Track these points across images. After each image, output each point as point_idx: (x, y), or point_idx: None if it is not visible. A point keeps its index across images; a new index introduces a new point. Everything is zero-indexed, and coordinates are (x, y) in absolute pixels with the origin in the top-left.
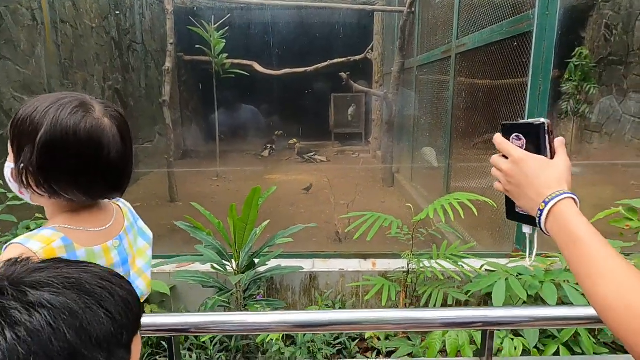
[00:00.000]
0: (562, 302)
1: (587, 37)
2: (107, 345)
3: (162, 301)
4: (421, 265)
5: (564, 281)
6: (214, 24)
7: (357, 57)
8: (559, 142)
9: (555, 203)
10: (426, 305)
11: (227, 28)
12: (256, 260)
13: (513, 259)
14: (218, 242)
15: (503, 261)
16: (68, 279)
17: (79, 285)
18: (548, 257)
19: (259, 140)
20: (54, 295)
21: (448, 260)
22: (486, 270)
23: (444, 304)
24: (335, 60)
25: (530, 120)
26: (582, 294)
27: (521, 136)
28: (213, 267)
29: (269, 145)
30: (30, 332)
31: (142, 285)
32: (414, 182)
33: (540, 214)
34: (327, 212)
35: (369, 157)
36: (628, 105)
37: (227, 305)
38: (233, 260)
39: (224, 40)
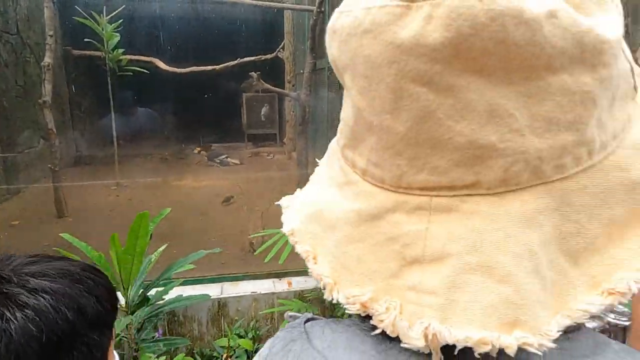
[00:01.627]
0: None
1: None
2: (98, 325)
3: None
4: None
5: None
6: (106, 16)
7: (269, 56)
8: None
9: None
10: None
11: (121, 20)
12: (152, 293)
13: None
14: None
15: None
16: (60, 270)
17: (70, 275)
18: None
19: (162, 143)
20: (52, 283)
21: None
22: None
23: None
24: (246, 59)
25: None
26: None
27: None
28: None
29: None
30: (37, 312)
31: None
32: None
33: None
34: (241, 223)
35: (285, 158)
36: None
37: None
38: (122, 298)
39: (118, 34)
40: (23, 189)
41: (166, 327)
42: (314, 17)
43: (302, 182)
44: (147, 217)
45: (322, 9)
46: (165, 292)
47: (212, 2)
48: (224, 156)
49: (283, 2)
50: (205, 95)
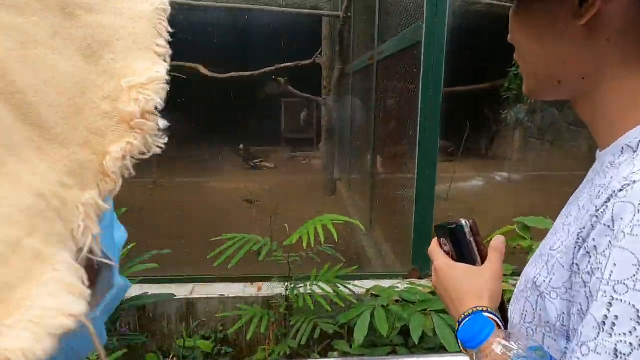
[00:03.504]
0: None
1: None
2: None
3: None
4: (295, 293)
5: (435, 312)
6: None
7: (307, 62)
8: (494, 244)
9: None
10: (294, 339)
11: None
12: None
13: (409, 279)
14: None
15: (399, 282)
16: None
17: None
18: None
19: (203, 146)
20: None
21: (329, 284)
22: (372, 294)
23: (311, 336)
24: (283, 65)
25: (453, 222)
26: (451, 327)
27: (446, 241)
28: None
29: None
30: None
31: None
32: (352, 191)
33: (456, 335)
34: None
35: (319, 163)
36: (567, 114)
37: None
38: None
39: None
40: None
41: (137, 324)
42: (341, 23)
43: (327, 186)
44: None
45: (349, 14)
46: (126, 289)
47: (248, 9)
48: (258, 160)
49: (318, 9)
50: (245, 100)
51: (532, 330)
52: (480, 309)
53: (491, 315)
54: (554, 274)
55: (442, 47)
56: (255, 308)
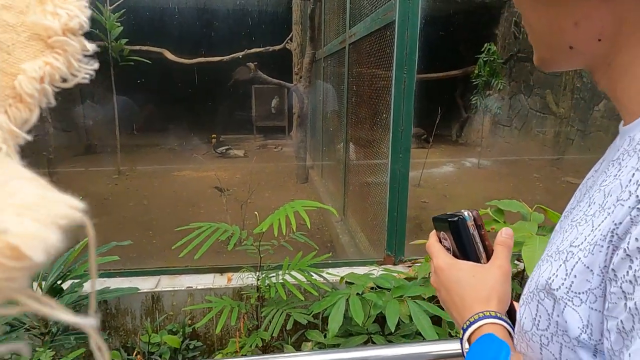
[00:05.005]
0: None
1: (499, 33)
2: None
3: None
4: (266, 282)
5: (411, 298)
6: (110, 6)
7: (277, 47)
8: (501, 239)
9: (475, 330)
10: (266, 330)
11: (124, 10)
12: (66, 286)
13: (384, 266)
14: None
15: (374, 269)
16: None
17: None
18: (416, 262)
19: (171, 134)
20: None
21: (301, 272)
22: (346, 282)
23: (283, 327)
24: (253, 50)
25: (453, 214)
26: (427, 313)
27: (446, 235)
28: None
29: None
30: None
31: None
32: (324, 179)
33: (461, 342)
34: (228, 214)
35: (291, 151)
36: (534, 101)
37: (29, 343)
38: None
39: (120, 24)
40: None
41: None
42: (311, 6)
43: (299, 174)
44: None
45: None
46: (80, 285)
47: None
48: (226, 147)
49: None
50: (214, 86)
51: (547, 338)
52: (488, 313)
53: (501, 322)
54: (575, 277)
55: (416, 26)
56: (225, 299)
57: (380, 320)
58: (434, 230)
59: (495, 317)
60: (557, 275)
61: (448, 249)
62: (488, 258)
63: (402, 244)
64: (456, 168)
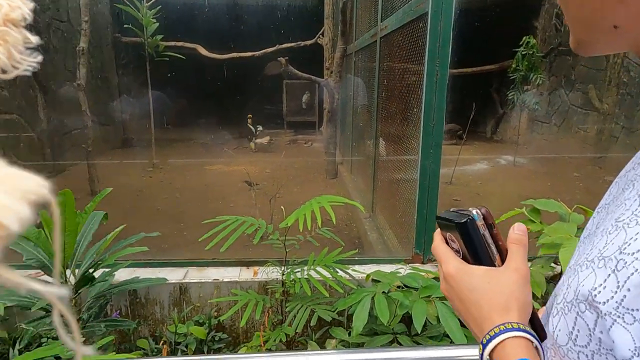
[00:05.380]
0: (439, 322)
1: (538, 26)
2: None
3: (6, 319)
4: (291, 277)
5: (439, 299)
6: (147, 3)
7: (308, 42)
8: (514, 237)
9: (496, 346)
10: (290, 325)
11: (159, 7)
12: (98, 274)
13: (412, 264)
14: (46, 255)
15: (401, 267)
16: None
17: None
18: None
19: (204, 128)
20: None
21: (326, 269)
22: (372, 280)
23: (307, 324)
24: (285, 45)
25: (459, 212)
26: (456, 315)
27: (454, 236)
28: None
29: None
30: None
31: None
32: (353, 174)
33: (481, 358)
34: (256, 208)
35: (321, 147)
36: (575, 96)
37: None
38: (63, 276)
39: (155, 20)
40: (68, 167)
41: (128, 309)
42: (343, 0)
43: (329, 169)
44: (70, 196)
45: None
46: (111, 274)
47: None
48: (260, 128)
49: None
50: (246, 81)
51: (586, 356)
52: (510, 325)
53: (525, 335)
54: (628, 290)
55: (449, 17)
56: (250, 293)
57: (407, 320)
58: (439, 230)
59: (518, 329)
60: (604, 287)
61: (457, 252)
62: (503, 260)
63: (431, 243)
64: (490, 165)
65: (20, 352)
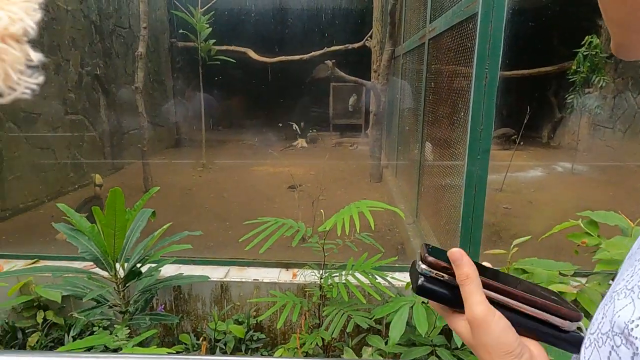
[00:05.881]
0: None
1: (602, 25)
2: None
3: (63, 307)
4: (329, 282)
5: None
6: (201, 9)
7: (356, 45)
8: (457, 275)
9: None
10: (326, 329)
11: (212, 12)
12: (145, 269)
13: None
14: (99, 249)
15: None
16: None
17: None
18: None
19: (252, 130)
20: None
21: (365, 275)
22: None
23: (343, 330)
24: (332, 48)
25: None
26: None
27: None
28: (89, 277)
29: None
30: None
31: None
32: (398, 179)
33: None
34: (300, 210)
35: (367, 150)
36: None
37: (109, 318)
38: (112, 270)
39: (209, 26)
40: (126, 165)
41: (172, 304)
42: (392, 1)
43: (373, 173)
44: (120, 194)
45: None
46: (157, 269)
47: None
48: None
49: None
50: (294, 84)
51: None
52: None
53: None
54: None
55: (501, 18)
56: (288, 295)
57: (448, 332)
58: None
59: None
60: None
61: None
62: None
63: (477, 253)
64: (546, 173)
65: (74, 339)
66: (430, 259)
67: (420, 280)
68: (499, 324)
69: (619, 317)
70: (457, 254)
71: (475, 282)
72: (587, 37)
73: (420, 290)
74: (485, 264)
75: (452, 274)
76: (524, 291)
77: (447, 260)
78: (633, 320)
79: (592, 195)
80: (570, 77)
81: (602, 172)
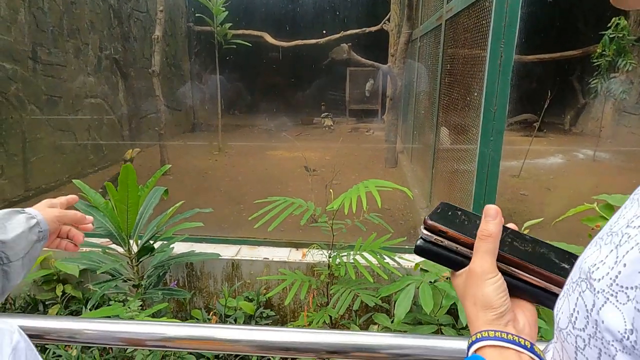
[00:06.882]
0: None
1: None
2: None
3: (81, 281)
4: (337, 261)
5: None
6: None
7: (373, 29)
8: (478, 234)
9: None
10: (334, 307)
11: None
12: (157, 245)
13: None
14: (112, 224)
15: None
16: None
17: None
18: None
19: (268, 115)
20: None
21: (373, 254)
22: (421, 269)
23: (350, 308)
24: (349, 32)
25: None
26: None
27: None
28: (104, 252)
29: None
30: None
31: None
32: (413, 163)
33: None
34: (314, 193)
35: (383, 135)
36: None
37: (124, 292)
38: (126, 245)
39: (225, 9)
40: (144, 148)
41: (185, 280)
42: None
43: (389, 158)
44: (132, 170)
45: None
46: (169, 246)
47: None
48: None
49: None
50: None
51: (584, 341)
52: (487, 334)
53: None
54: (624, 266)
55: None
56: (297, 273)
57: (454, 312)
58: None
59: (494, 337)
60: (603, 263)
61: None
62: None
63: None
64: (566, 159)
65: (90, 311)
66: (430, 222)
67: (418, 242)
68: (495, 283)
69: (586, 263)
70: (492, 211)
71: (493, 244)
72: (614, 19)
73: (417, 251)
74: (510, 225)
75: (450, 238)
76: (540, 261)
77: (451, 223)
78: (595, 264)
79: (613, 182)
80: (595, 61)
81: (626, 158)
